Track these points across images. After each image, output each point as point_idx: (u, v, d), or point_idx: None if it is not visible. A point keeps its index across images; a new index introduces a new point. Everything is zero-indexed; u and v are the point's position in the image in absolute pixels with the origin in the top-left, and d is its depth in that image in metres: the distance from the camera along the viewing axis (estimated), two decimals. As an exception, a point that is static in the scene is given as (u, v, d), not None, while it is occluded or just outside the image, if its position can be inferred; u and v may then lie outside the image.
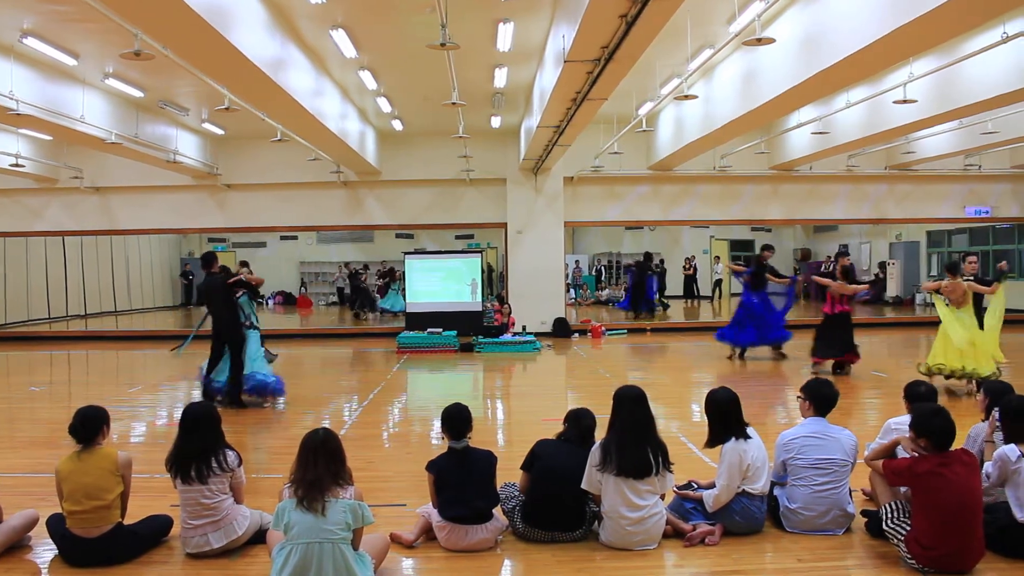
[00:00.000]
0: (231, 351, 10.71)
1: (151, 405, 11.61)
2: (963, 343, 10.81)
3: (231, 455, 5.43)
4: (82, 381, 15.77)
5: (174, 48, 9.54)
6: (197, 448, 5.31)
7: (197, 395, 11.85)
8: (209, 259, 11.05)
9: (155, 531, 5.51)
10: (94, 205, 21.07)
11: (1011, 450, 5.06)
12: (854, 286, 13.55)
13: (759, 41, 8.75)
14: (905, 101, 12.02)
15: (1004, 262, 12.83)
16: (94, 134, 14.55)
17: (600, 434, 5.60)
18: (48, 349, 19.35)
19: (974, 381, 10.63)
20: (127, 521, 5.35)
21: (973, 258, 11.85)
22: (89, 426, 5.31)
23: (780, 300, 14.87)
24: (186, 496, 5.27)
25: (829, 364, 13.12)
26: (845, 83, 11.91)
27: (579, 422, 5.73)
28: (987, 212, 21.71)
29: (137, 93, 15.02)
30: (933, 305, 12.27)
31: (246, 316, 11.00)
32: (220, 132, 19.19)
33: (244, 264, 13.52)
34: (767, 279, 14.77)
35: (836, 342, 13.00)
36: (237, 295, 10.92)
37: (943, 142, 17.74)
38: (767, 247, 15.15)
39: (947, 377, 11.11)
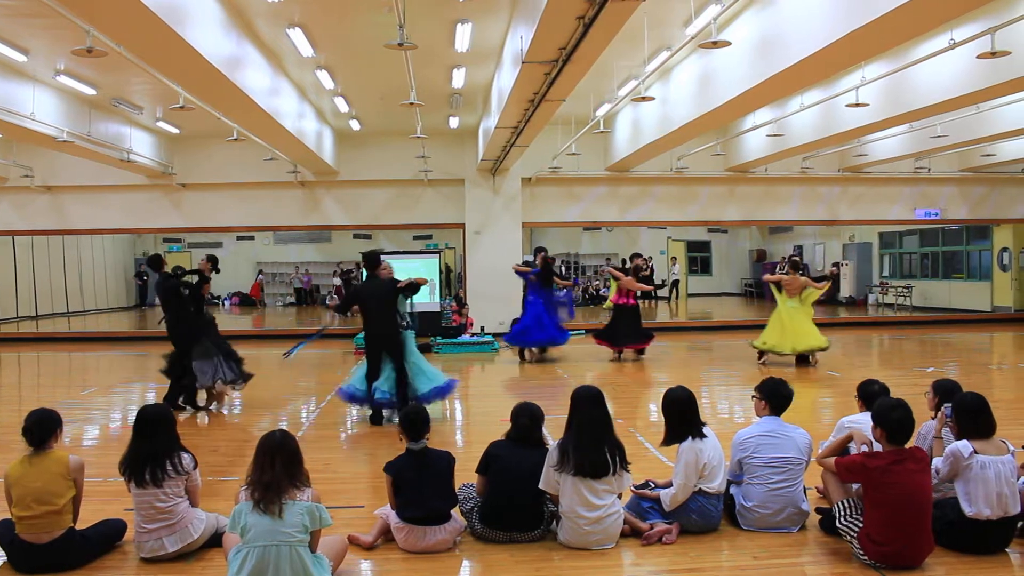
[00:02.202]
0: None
1: (104, 407, 11.42)
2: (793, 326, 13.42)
3: (186, 457, 5.37)
4: (33, 383, 15.44)
5: (127, 45, 9.39)
6: (151, 451, 5.24)
7: (151, 397, 11.70)
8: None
9: (108, 536, 5.43)
10: (45, 204, 20.67)
11: (964, 446, 5.17)
12: (641, 284, 15.59)
13: (715, 44, 8.86)
14: (857, 104, 12.26)
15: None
16: (45, 132, 14.26)
17: (557, 434, 5.62)
18: (-3, 351, 18.94)
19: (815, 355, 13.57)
20: (79, 526, 5.27)
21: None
22: (42, 429, 5.21)
23: (562, 306, 15.65)
24: (140, 500, 5.20)
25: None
26: (799, 86, 12.09)
27: (516, 420, 5.73)
28: (936, 214, 22.17)
29: (89, 91, 14.75)
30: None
31: (402, 316, 10.01)
32: (175, 131, 18.92)
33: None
34: (553, 280, 15.54)
35: (631, 331, 14.90)
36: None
37: (894, 145, 18.10)
38: (539, 249, 15.78)
39: (773, 355, 13.69)
